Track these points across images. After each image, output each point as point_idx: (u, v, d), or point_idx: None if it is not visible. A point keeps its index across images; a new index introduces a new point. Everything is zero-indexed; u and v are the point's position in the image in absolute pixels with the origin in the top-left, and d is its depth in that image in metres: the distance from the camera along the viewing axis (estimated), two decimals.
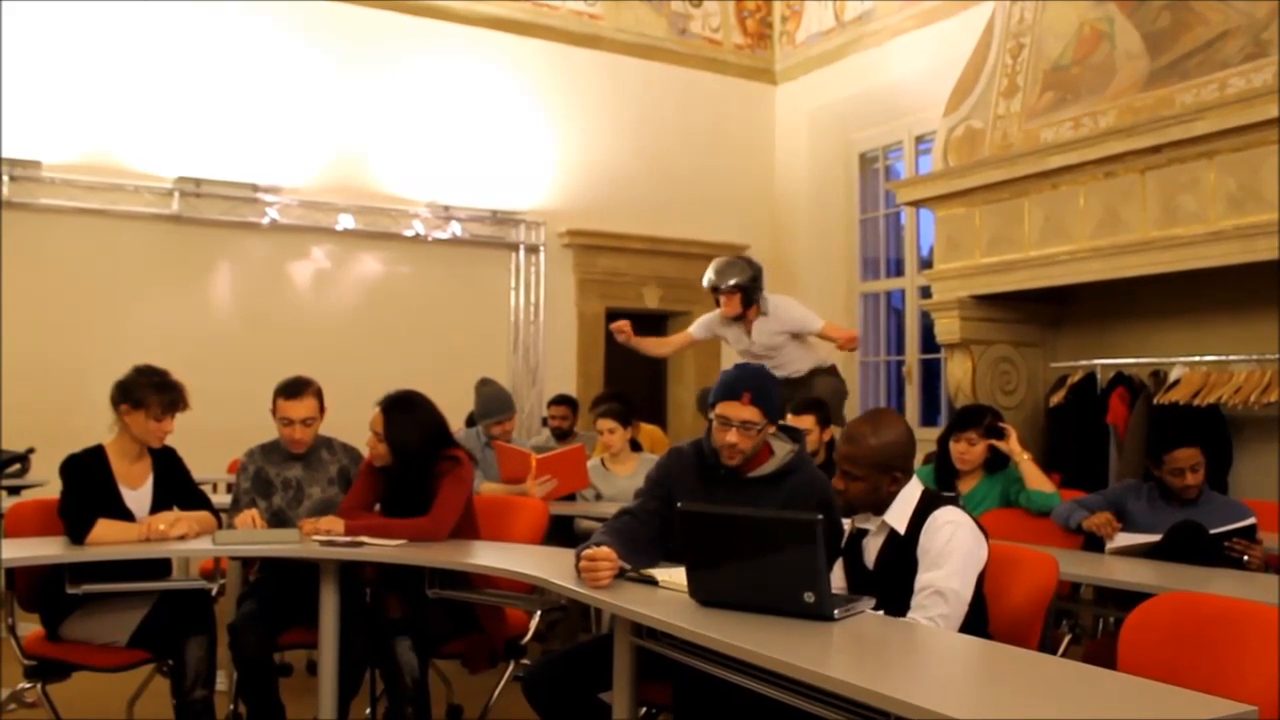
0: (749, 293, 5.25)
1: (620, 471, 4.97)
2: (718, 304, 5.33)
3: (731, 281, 5.22)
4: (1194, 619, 2.15)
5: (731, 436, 2.84)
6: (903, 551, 2.51)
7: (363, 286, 7.22)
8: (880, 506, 2.56)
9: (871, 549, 2.59)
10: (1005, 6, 6.04)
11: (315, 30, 7.02)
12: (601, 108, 8.00)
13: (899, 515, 2.55)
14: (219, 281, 6.81)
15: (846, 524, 2.75)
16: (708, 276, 5.28)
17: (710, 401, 2.91)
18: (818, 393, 5.03)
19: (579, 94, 7.91)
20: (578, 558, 2.73)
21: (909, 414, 7.55)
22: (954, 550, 2.44)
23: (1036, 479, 3.96)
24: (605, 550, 2.66)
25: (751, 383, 2.90)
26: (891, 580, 2.48)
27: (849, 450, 2.57)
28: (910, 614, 2.40)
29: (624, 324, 5.48)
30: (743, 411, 2.84)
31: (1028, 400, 6.17)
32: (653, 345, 5.91)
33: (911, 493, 2.57)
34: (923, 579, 2.43)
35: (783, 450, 2.95)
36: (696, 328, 5.60)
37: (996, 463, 4.08)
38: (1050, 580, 2.57)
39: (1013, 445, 4.03)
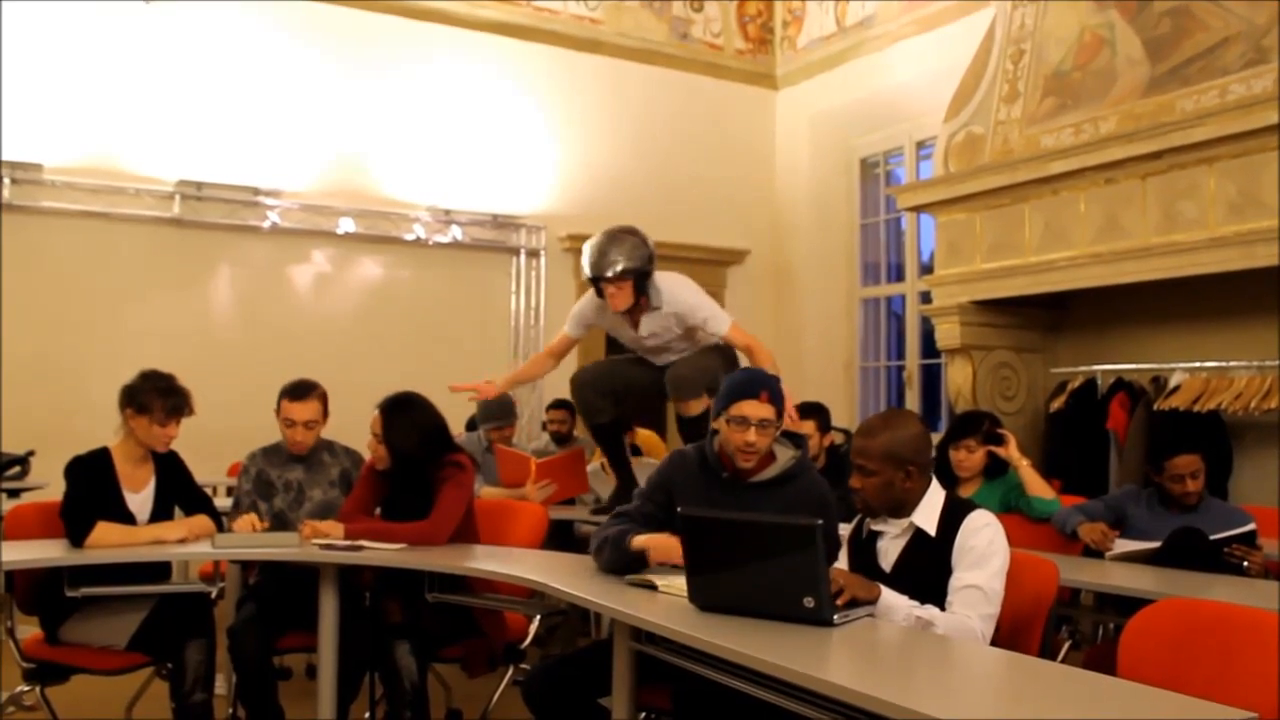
0: (641, 279, 4.19)
1: None
2: (599, 294, 4.27)
3: (619, 267, 4.14)
4: (1194, 625, 2.15)
5: (751, 435, 2.85)
6: (932, 553, 2.50)
7: (363, 290, 7.22)
8: (896, 505, 2.55)
9: (891, 551, 2.58)
10: (1006, 12, 6.05)
11: (316, 34, 7.03)
12: (602, 112, 8.00)
13: (927, 517, 2.54)
14: (219, 285, 6.81)
15: (845, 529, 2.75)
16: (586, 260, 4.22)
17: (723, 404, 2.92)
18: (679, 368, 4.27)
19: (580, 98, 7.92)
20: (620, 551, 2.80)
21: None
22: (996, 552, 2.46)
23: (1036, 485, 3.96)
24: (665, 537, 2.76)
25: (765, 380, 2.95)
26: (912, 582, 2.46)
27: (861, 444, 2.56)
28: (952, 610, 2.40)
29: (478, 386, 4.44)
30: (761, 409, 2.86)
31: (1028, 406, 6.17)
32: (532, 368, 4.87)
33: (937, 495, 2.58)
34: (964, 577, 2.43)
35: (785, 455, 2.96)
36: (571, 324, 4.53)
37: (996, 469, 4.08)
38: (1050, 586, 2.57)
39: (1012, 452, 4.03)
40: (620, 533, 2.85)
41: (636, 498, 3.06)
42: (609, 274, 4.14)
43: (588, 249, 4.23)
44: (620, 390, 4.48)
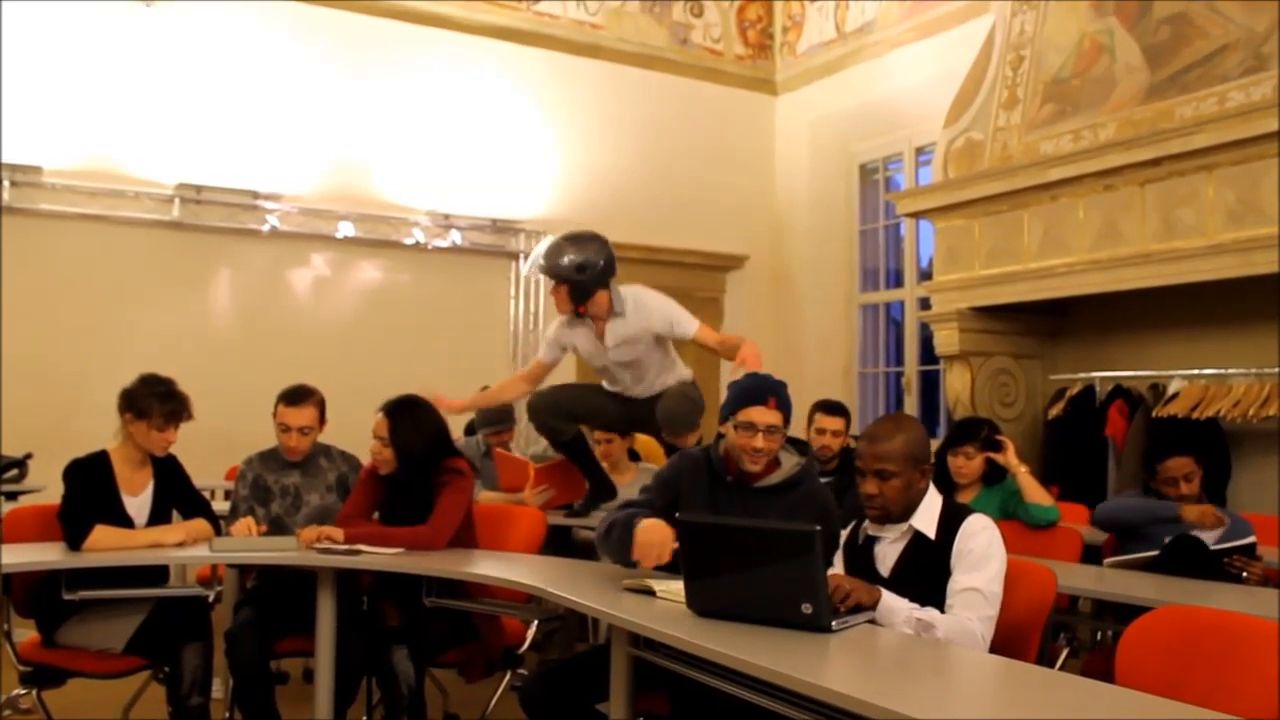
0: (580, 287, 4.08)
1: (619, 481, 4.94)
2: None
3: (560, 263, 4.05)
4: (1192, 633, 2.15)
5: (758, 441, 2.86)
6: (931, 556, 2.50)
7: (362, 294, 7.22)
8: (911, 507, 2.55)
9: (888, 556, 2.58)
10: (1005, 18, 6.06)
11: (316, 37, 7.03)
12: (602, 117, 8.00)
13: (927, 520, 2.54)
14: (219, 288, 6.80)
15: (843, 532, 2.75)
16: (532, 257, 4.17)
17: (731, 410, 2.92)
18: (668, 402, 4.19)
19: (580, 103, 7.92)
20: (621, 538, 2.76)
21: None
22: (994, 554, 2.47)
23: (1035, 492, 3.96)
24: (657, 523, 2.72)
25: (774, 387, 2.95)
26: (911, 586, 2.47)
27: (880, 449, 2.54)
28: (951, 613, 2.40)
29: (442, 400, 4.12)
30: (769, 416, 2.87)
31: (1026, 412, 6.17)
32: (504, 391, 4.76)
33: (935, 499, 2.59)
34: (963, 580, 2.43)
35: (790, 462, 2.97)
36: (545, 348, 4.48)
37: (994, 475, 4.08)
38: (1048, 593, 2.57)
39: (1010, 458, 4.03)
40: (630, 516, 2.84)
41: (644, 492, 3.06)
42: (548, 271, 4.10)
43: (541, 244, 4.18)
44: (581, 416, 4.51)
